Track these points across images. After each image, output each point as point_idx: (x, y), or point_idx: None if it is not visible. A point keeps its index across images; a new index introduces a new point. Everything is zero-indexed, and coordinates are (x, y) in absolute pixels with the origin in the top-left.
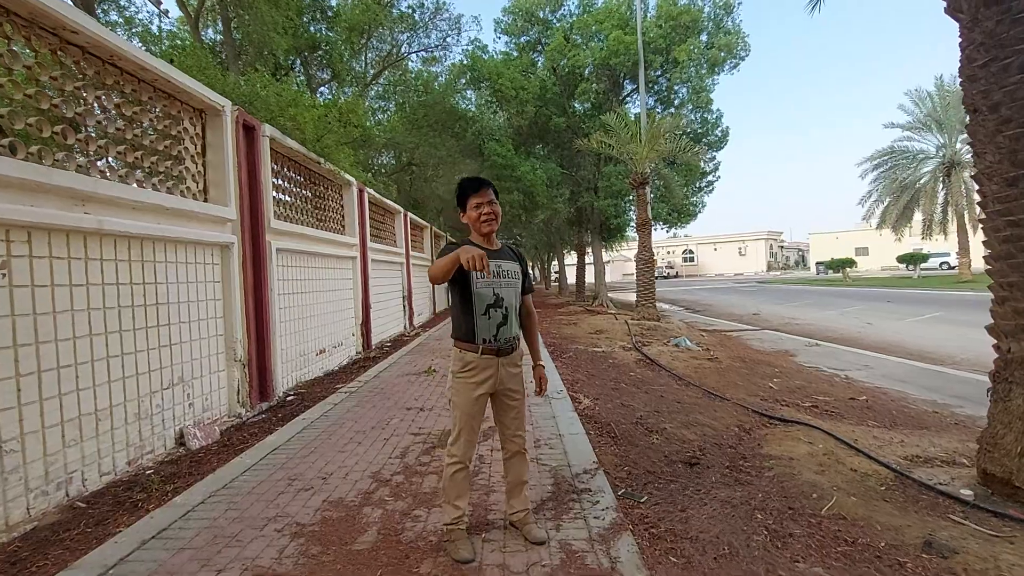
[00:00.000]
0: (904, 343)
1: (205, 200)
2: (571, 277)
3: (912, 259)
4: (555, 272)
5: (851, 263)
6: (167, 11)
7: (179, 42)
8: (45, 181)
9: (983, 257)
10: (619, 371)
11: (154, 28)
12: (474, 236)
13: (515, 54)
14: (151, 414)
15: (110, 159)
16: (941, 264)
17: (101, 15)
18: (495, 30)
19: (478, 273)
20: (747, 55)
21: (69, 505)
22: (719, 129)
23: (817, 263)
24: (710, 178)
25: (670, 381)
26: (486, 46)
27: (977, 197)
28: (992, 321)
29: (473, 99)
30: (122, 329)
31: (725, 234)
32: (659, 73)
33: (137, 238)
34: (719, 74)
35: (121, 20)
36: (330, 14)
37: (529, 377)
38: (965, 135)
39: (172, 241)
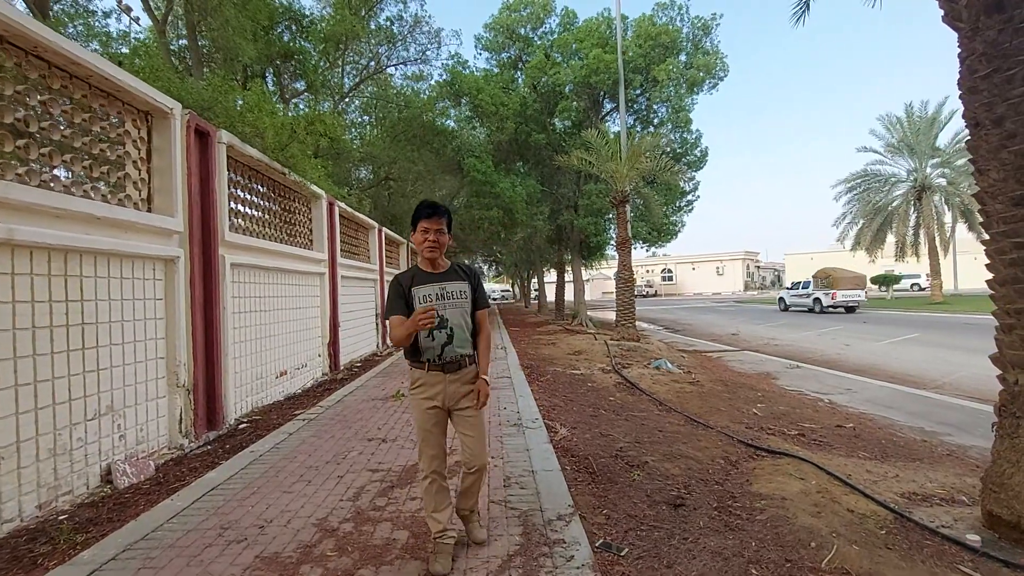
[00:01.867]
0: (884, 365)
1: (149, 209)
2: (550, 295)
3: (885, 280)
4: (535, 290)
5: None
6: (129, 8)
7: (142, 47)
8: None
9: (986, 282)
10: (598, 396)
11: (114, 33)
12: (421, 261)
13: (496, 70)
14: (70, 449)
15: (31, 163)
16: (912, 285)
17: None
18: (476, 46)
19: (421, 297)
20: (726, 75)
21: None
22: (698, 149)
23: (793, 283)
24: (689, 197)
25: (651, 406)
26: (467, 61)
27: (951, 220)
28: (996, 350)
29: (453, 116)
30: (36, 353)
31: (703, 254)
32: (639, 92)
33: (60, 250)
34: (698, 94)
35: (82, 27)
36: (305, 23)
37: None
38: (935, 159)
39: (104, 254)
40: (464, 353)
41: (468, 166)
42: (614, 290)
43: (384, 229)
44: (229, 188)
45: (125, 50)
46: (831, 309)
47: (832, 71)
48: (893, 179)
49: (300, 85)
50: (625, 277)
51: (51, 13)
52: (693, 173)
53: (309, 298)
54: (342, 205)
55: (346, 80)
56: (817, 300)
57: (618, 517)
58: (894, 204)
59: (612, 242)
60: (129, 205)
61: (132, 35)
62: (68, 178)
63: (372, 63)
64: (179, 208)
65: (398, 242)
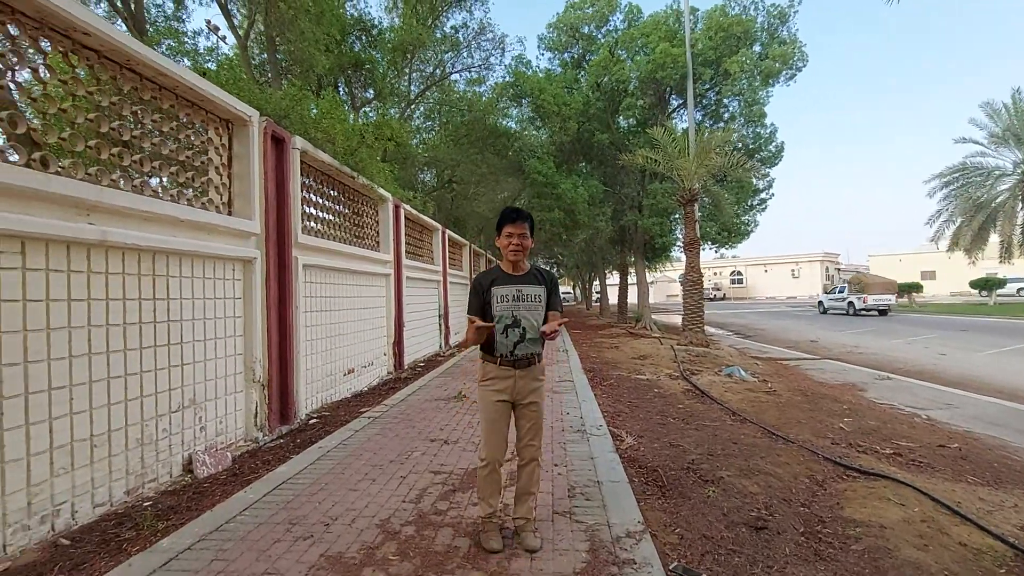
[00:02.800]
0: (989, 378)
1: (229, 213)
2: (612, 297)
3: (987, 284)
4: (596, 292)
5: (917, 288)
6: (216, 27)
7: (226, 62)
8: (42, 188)
9: None
10: (666, 403)
11: (202, 50)
12: (504, 262)
13: (559, 70)
14: (156, 439)
15: (124, 169)
16: (1019, 291)
17: (159, 48)
18: (538, 46)
19: (498, 297)
20: (804, 65)
21: (53, 542)
22: (773, 144)
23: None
24: (763, 196)
25: (723, 416)
26: (529, 62)
27: None
28: None
29: (515, 116)
30: (127, 348)
31: (777, 255)
32: (708, 86)
33: (148, 251)
34: (773, 86)
35: (174, 43)
36: (374, 33)
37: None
38: None
39: (188, 255)
40: (535, 352)
41: (529, 167)
42: (679, 293)
43: (447, 231)
44: (302, 192)
45: (212, 65)
46: (864, 312)
47: (924, 59)
48: (997, 172)
49: (369, 94)
50: (693, 279)
51: (147, 32)
52: (767, 170)
53: (375, 298)
54: (407, 207)
55: (412, 87)
56: (851, 304)
57: (692, 538)
58: (998, 200)
59: (678, 243)
60: (211, 209)
61: (218, 51)
62: (157, 183)
63: (437, 70)
64: (256, 211)
65: (461, 244)
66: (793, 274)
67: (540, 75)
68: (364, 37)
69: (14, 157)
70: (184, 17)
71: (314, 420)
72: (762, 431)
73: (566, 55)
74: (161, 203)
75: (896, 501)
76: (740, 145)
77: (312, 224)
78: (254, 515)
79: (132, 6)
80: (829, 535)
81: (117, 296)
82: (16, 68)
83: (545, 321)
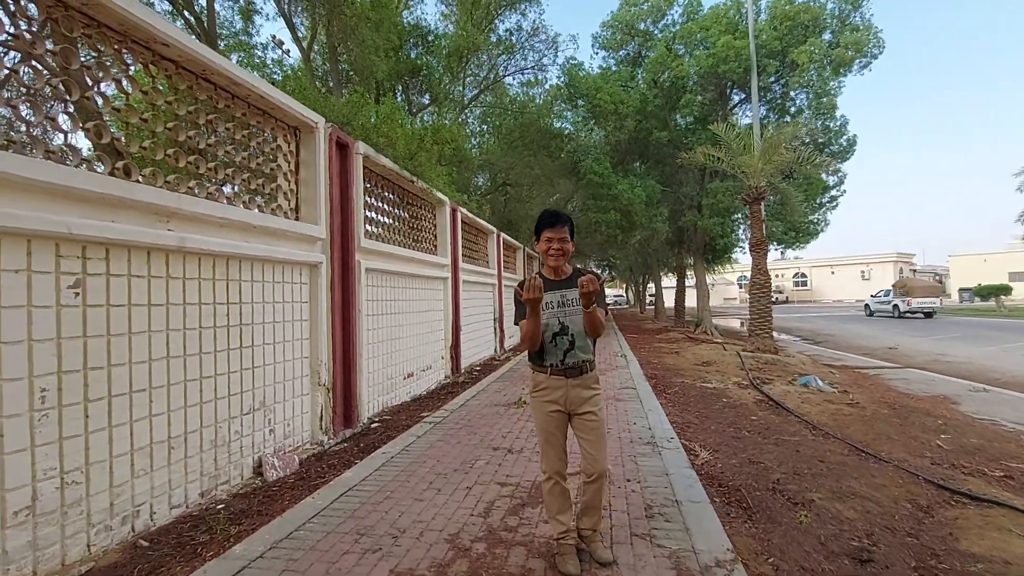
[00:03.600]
0: None
1: (296, 218)
2: (667, 301)
3: None
4: (651, 295)
5: (1006, 290)
6: (281, 41)
7: (291, 72)
8: (126, 196)
9: None
10: (737, 414)
11: (268, 62)
12: (545, 269)
13: (614, 68)
14: (228, 441)
15: (200, 176)
16: None
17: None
18: (593, 45)
19: (541, 304)
20: (880, 52)
21: (132, 543)
22: (844, 137)
23: (961, 289)
24: (833, 192)
25: (802, 430)
26: (582, 63)
27: None
28: None
29: (569, 118)
30: (202, 351)
31: (845, 256)
32: (774, 79)
33: (222, 256)
34: (845, 76)
35: (243, 56)
36: (430, 40)
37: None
38: None
39: (259, 260)
40: (585, 358)
41: (584, 168)
42: (737, 296)
43: (502, 234)
44: (364, 196)
45: (278, 76)
46: (908, 314)
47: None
48: None
49: (425, 99)
50: (760, 282)
51: (218, 47)
52: (839, 165)
53: (433, 301)
54: (463, 211)
55: (466, 92)
56: (895, 306)
57: (789, 569)
58: None
59: (740, 244)
60: (280, 214)
61: (284, 63)
62: (231, 190)
63: (491, 74)
64: (322, 216)
65: (515, 247)
66: (863, 276)
67: (595, 75)
68: (420, 44)
69: (100, 167)
70: (252, 31)
71: (376, 424)
72: (849, 448)
73: (621, 53)
74: (235, 209)
75: (1018, 532)
76: (809, 139)
77: (374, 229)
78: (322, 523)
79: (205, 23)
80: (947, 571)
81: (193, 301)
82: (101, 80)
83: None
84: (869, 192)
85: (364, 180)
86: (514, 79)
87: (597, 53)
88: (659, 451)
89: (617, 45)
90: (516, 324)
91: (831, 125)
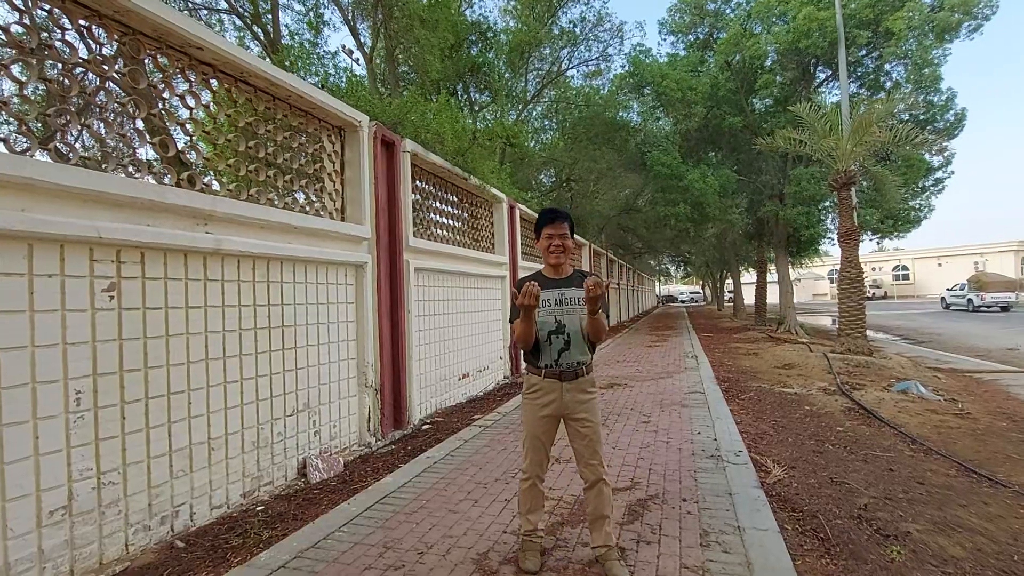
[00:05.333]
0: None
1: (341, 219)
2: (747, 297)
3: None
4: (729, 292)
5: None
6: (351, 51)
7: (353, 78)
8: (159, 199)
9: None
10: (820, 424)
11: (332, 71)
12: (545, 267)
13: (683, 53)
14: (271, 443)
15: (242, 179)
16: None
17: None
18: (660, 31)
19: (540, 302)
20: (994, 12)
21: (170, 543)
22: (951, 112)
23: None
24: (939, 174)
25: (898, 444)
26: (649, 50)
27: None
28: None
29: (636, 108)
30: (242, 353)
31: (954, 246)
32: (865, 51)
33: (263, 258)
34: (951, 42)
35: (310, 65)
36: (490, 36)
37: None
38: None
39: (302, 261)
40: (581, 361)
41: (652, 160)
42: (827, 291)
43: None
44: (412, 195)
45: (343, 84)
46: (984, 308)
47: None
48: None
49: (487, 97)
50: (851, 276)
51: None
52: (945, 143)
53: (491, 301)
54: (523, 208)
55: (529, 88)
56: (969, 300)
57: None
58: None
59: (828, 235)
60: (324, 215)
61: (349, 70)
62: (274, 192)
63: (553, 67)
64: (367, 216)
65: (579, 244)
66: (976, 267)
67: (662, 62)
68: (481, 41)
69: (168, 179)
70: (320, 42)
71: (427, 426)
72: (956, 468)
73: (691, 36)
74: (275, 211)
75: None
76: (908, 116)
77: (423, 227)
78: (351, 532)
79: (271, 33)
80: None
81: (232, 303)
82: (165, 96)
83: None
84: (984, 172)
85: (413, 178)
86: (577, 71)
87: (665, 39)
88: (724, 466)
89: (686, 28)
90: (510, 323)
91: (934, 99)
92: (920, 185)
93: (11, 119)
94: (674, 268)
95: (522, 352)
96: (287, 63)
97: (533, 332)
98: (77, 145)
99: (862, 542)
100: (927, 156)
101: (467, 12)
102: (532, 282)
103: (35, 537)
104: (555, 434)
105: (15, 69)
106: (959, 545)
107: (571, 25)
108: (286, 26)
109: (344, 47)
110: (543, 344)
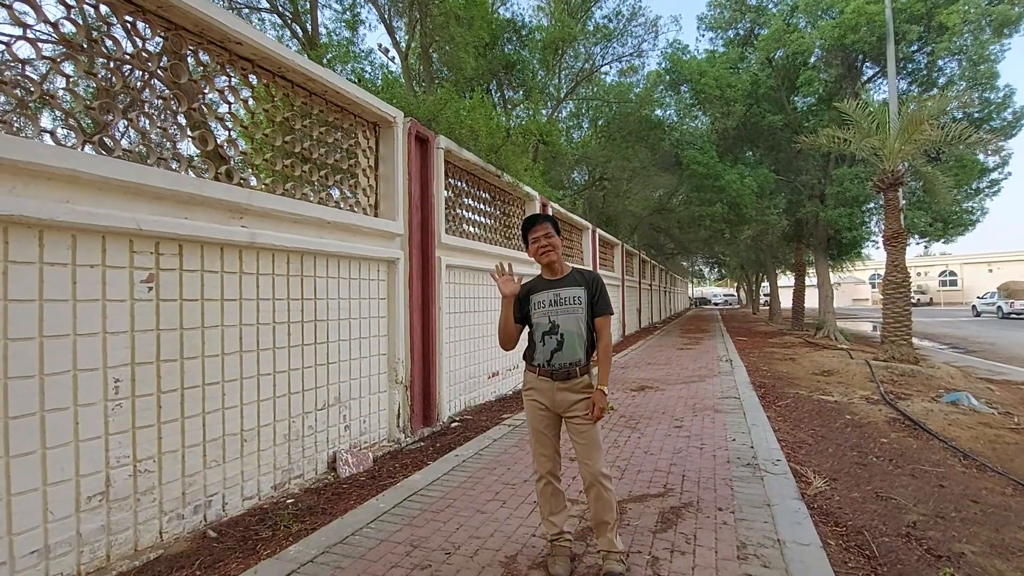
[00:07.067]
0: None
1: (375, 214)
2: (784, 301)
3: None
4: (764, 295)
5: None
6: (387, 49)
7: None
8: (196, 193)
9: None
10: (863, 435)
11: (368, 69)
12: (542, 270)
13: (722, 50)
14: (302, 436)
15: (279, 175)
16: None
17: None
18: (698, 27)
19: (536, 303)
20: None
21: (202, 532)
22: (1009, 110)
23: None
24: (994, 176)
25: (949, 459)
26: (686, 46)
27: None
28: None
29: (672, 105)
30: (275, 346)
31: (1008, 251)
32: (916, 47)
33: (296, 252)
34: (1010, 37)
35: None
36: (524, 33)
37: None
38: None
39: (335, 256)
40: (574, 362)
41: (687, 159)
42: (868, 296)
43: (597, 230)
44: (445, 191)
45: (378, 81)
46: (1014, 316)
47: None
48: None
49: (520, 95)
50: (897, 280)
51: (323, 58)
52: (1001, 143)
53: None
54: (555, 206)
55: (562, 85)
56: (999, 308)
57: None
58: None
59: (872, 238)
60: (358, 210)
61: (386, 68)
62: (308, 187)
63: (586, 64)
64: (400, 212)
65: (612, 243)
66: None
67: (700, 58)
68: (515, 38)
69: (208, 174)
70: (356, 40)
71: (456, 423)
72: (1014, 486)
73: (730, 33)
74: (309, 205)
75: None
76: (961, 114)
77: (456, 224)
78: (378, 529)
79: (309, 31)
80: None
81: (267, 296)
82: (205, 92)
83: (590, 329)
84: None
85: (446, 175)
86: (611, 68)
87: (703, 35)
88: (761, 476)
89: (726, 24)
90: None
91: (991, 97)
92: (973, 187)
93: (59, 113)
94: (708, 270)
95: (523, 350)
96: (324, 60)
97: (511, 328)
98: (121, 140)
99: (911, 562)
100: (981, 156)
101: (501, 10)
102: (500, 264)
103: (74, 521)
104: (558, 429)
105: (66, 66)
106: (1019, 570)
107: (605, 20)
108: (324, 25)
109: (380, 46)
110: (537, 344)
